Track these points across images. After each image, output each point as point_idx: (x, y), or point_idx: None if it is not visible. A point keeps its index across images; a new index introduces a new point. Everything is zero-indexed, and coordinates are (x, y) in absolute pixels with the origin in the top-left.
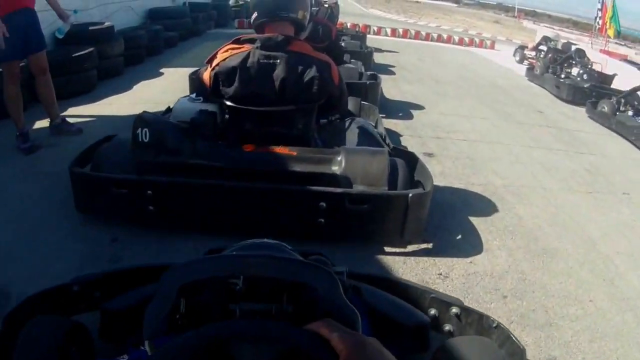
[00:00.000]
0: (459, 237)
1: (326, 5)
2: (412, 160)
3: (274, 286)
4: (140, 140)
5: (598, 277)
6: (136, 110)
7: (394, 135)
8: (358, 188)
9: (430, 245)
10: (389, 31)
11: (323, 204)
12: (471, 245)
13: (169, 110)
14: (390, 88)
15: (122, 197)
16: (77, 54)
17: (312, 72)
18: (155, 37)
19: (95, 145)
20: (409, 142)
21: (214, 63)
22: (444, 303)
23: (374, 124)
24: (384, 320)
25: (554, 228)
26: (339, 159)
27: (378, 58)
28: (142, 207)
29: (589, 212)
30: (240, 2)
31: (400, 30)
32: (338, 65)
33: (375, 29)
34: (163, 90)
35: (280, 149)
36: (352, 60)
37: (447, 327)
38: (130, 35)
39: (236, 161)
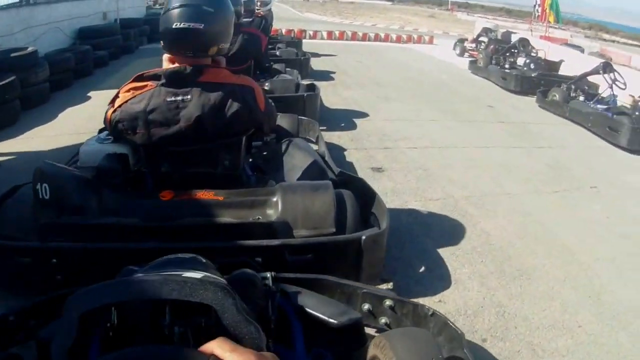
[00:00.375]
0: (422, 269)
1: (260, 15)
2: (361, 188)
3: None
4: (40, 197)
5: (582, 294)
6: (60, 143)
7: (338, 150)
8: (300, 233)
9: (390, 285)
10: (325, 34)
11: (259, 259)
12: (438, 278)
13: None
14: (330, 95)
15: (27, 266)
16: None
17: (234, 103)
18: (84, 58)
19: None
20: (355, 157)
21: (116, 105)
22: (377, 297)
23: (314, 140)
24: (316, 322)
25: (525, 241)
26: (274, 199)
27: (316, 63)
28: (49, 276)
29: (560, 216)
30: None
31: (337, 33)
32: (272, 77)
33: (311, 33)
34: (90, 117)
35: (204, 194)
36: (288, 69)
37: (383, 319)
38: (55, 58)
39: (152, 215)
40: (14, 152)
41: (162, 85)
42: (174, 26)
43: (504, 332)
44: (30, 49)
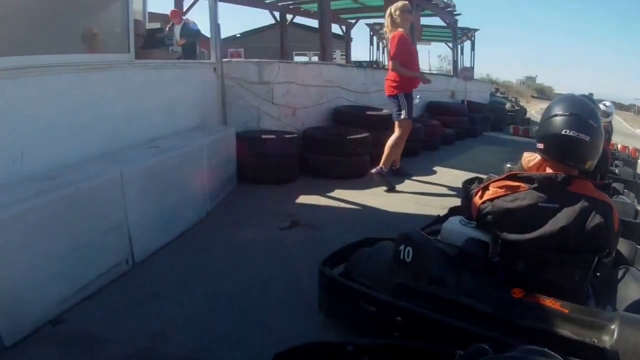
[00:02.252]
0: None
1: (604, 127)
2: None
3: None
4: (401, 258)
5: None
6: (400, 208)
7: None
8: None
9: None
10: None
11: None
12: None
13: (437, 220)
14: None
15: (369, 313)
16: (350, 137)
17: (595, 219)
18: (433, 132)
19: (352, 247)
20: None
21: (486, 196)
22: None
23: None
24: None
25: None
26: (612, 327)
27: None
28: (389, 331)
29: None
30: (517, 108)
31: None
32: (610, 196)
33: None
34: (434, 190)
35: (552, 302)
36: (626, 190)
37: None
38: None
39: (503, 308)
40: (359, 203)
41: (534, 189)
42: (562, 132)
43: None
44: (384, 111)
